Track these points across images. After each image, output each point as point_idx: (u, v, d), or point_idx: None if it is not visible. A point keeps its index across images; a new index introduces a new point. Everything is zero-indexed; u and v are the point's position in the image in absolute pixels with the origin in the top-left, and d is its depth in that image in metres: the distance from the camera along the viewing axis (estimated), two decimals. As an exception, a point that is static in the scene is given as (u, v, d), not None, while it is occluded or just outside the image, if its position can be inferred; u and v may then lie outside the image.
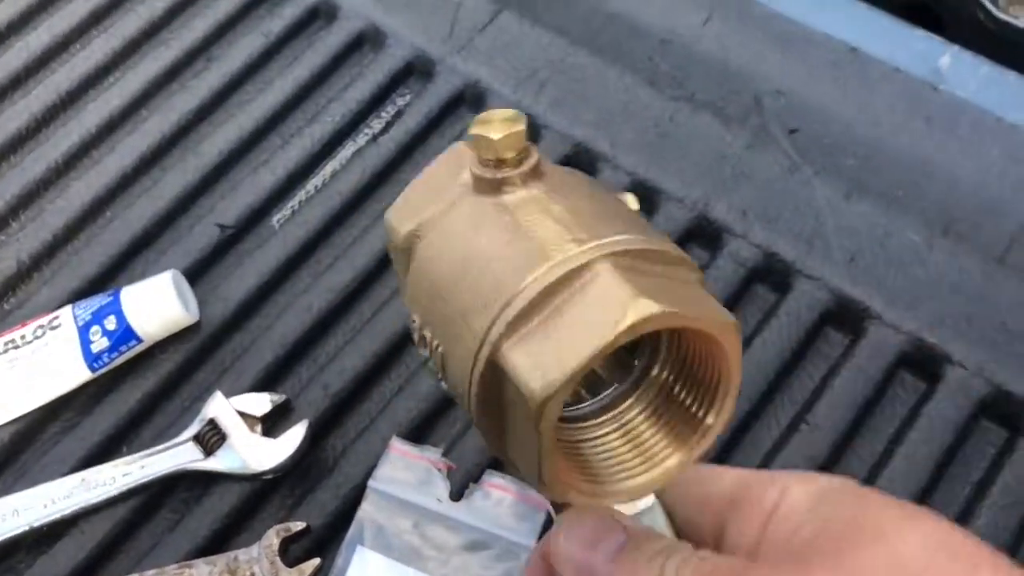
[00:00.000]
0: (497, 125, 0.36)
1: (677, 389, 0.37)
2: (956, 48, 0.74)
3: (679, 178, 0.70)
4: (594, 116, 0.73)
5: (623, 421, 0.38)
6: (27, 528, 0.61)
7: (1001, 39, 0.75)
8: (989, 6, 0.75)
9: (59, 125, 0.79)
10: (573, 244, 0.33)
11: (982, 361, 0.61)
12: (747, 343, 0.63)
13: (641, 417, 0.38)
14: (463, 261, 0.36)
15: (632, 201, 0.42)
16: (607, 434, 0.38)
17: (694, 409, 0.36)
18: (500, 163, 0.36)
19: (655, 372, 0.38)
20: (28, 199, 0.75)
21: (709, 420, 0.36)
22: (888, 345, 0.62)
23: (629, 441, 0.37)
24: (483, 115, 0.37)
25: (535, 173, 0.37)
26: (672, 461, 0.36)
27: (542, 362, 0.31)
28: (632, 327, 0.30)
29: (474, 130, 0.36)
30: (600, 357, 0.30)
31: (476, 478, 0.61)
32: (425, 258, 0.38)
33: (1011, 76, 0.71)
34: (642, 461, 0.37)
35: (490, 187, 0.37)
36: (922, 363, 0.62)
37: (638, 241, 0.33)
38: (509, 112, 0.37)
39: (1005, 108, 0.70)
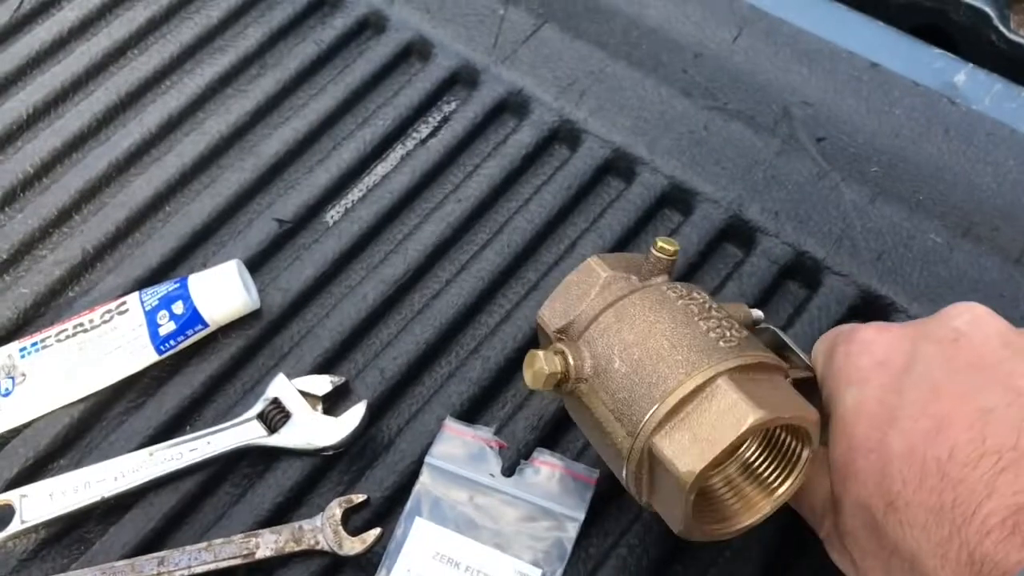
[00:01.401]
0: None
1: (767, 455, 0.54)
2: (970, 66, 0.79)
3: (714, 182, 0.74)
4: (632, 123, 0.77)
5: (729, 478, 0.54)
6: (98, 499, 0.64)
7: (1012, 59, 0.80)
8: (1002, 28, 0.80)
9: (119, 125, 0.83)
10: (705, 361, 0.49)
11: (1002, 352, 0.65)
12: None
13: (741, 476, 0.54)
14: (636, 360, 0.51)
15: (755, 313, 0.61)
16: (720, 489, 0.54)
17: (779, 471, 0.53)
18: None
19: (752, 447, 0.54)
20: (91, 194, 0.79)
21: (790, 480, 0.52)
22: (913, 337, 0.66)
23: (733, 492, 0.54)
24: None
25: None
26: (763, 505, 0.53)
27: (690, 451, 0.47)
28: (751, 428, 0.46)
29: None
30: (729, 450, 0.47)
31: (526, 455, 0.64)
32: (606, 331, 0.53)
33: (1024, 93, 0.77)
34: (743, 507, 0.53)
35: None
36: (945, 354, 0.66)
37: (750, 356, 0.49)
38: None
39: (1019, 121, 0.75)
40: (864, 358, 0.49)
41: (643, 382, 0.49)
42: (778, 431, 0.53)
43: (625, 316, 0.53)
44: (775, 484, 0.53)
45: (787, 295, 0.71)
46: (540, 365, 0.53)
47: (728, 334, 0.51)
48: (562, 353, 0.54)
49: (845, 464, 0.49)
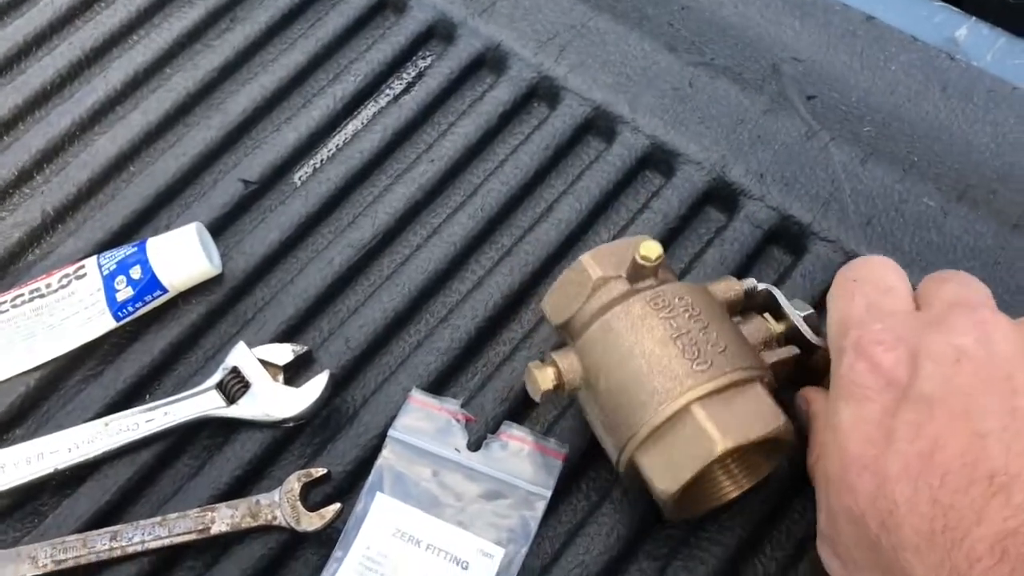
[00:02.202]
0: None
1: (742, 459, 0.57)
2: (973, 20, 0.75)
3: (697, 142, 0.71)
4: (613, 80, 0.74)
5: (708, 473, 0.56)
6: (52, 471, 0.62)
7: (1018, 12, 0.76)
8: (1007, -21, 0.76)
9: (83, 82, 0.80)
10: (678, 388, 0.52)
11: (995, 323, 0.62)
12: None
13: (718, 471, 0.57)
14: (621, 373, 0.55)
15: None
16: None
17: (751, 469, 0.57)
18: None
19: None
20: (53, 153, 0.76)
21: (759, 474, 0.57)
22: (902, 306, 0.63)
23: (709, 482, 0.57)
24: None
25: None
26: (732, 491, 0.57)
27: (666, 474, 0.52)
28: (720, 456, 0.51)
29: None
30: (702, 471, 0.51)
31: (494, 429, 0.62)
32: (595, 346, 0.56)
33: (1029, 47, 0.72)
34: (714, 492, 0.57)
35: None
36: (935, 324, 0.63)
37: (720, 378, 0.52)
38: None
39: (1022, 78, 0.71)
40: (869, 377, 0.48)
41: (624, 405, 0.54)
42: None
43: (610, 332, 0.55)
44: (744, 476, 0.57)
45: (771, 261, 0.68)
46: (535, 381, 0.56)
47: (704, 351, 0.53)
48: (555, 365, 0.56)
49: (839, 478, 0.48)
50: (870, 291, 0.52)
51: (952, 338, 0.47)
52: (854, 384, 0.48)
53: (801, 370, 0.59)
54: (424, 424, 0.62)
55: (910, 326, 0.49)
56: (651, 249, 0.56)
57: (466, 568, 0.57)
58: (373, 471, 0.61)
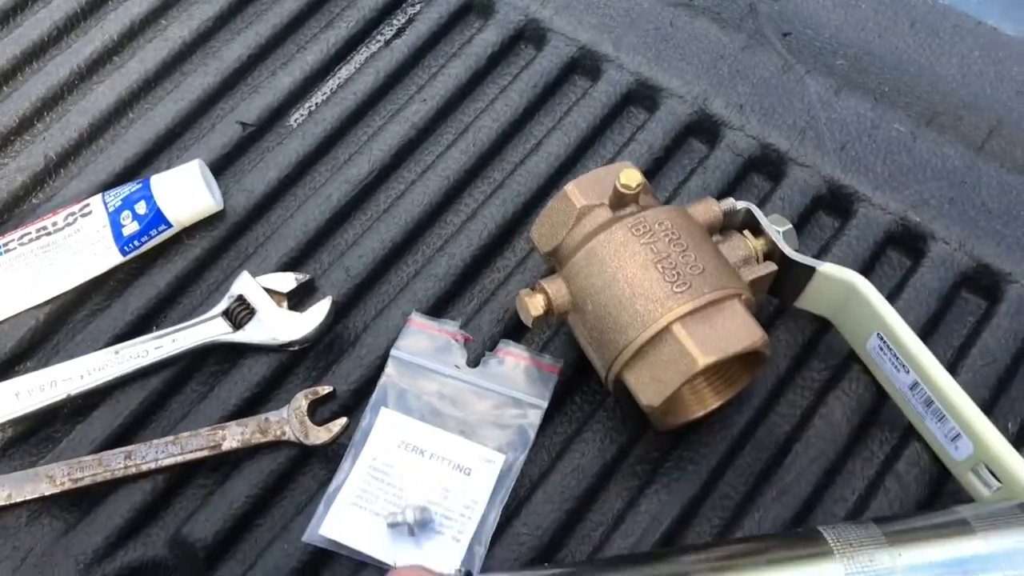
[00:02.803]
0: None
1: (723, 370, 0.60)
2: (940, -41, 0.78)
3: (679, 77, 0.74)
4: (598, 20, 0.77)
5: (692, 384, 0.60)
6: (64, 397, 0.64)
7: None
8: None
9: (80, 33, 0.81)
10: (659, 310, 0.55)
11: (963, 237, 0.65)
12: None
13: (702, 383, 0.61)
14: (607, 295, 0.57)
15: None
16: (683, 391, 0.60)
17: (730, 378, 0.60)
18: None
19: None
20: (52, 101, 0.78)
21: (739, 383, 0.60)
22: (876, 224, 0.67)
23: (693, 392, 0.61)
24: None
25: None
26: (713, 401, 0.60)
27: (650, 387, 0.55)
28: (700, 370, 0.53)
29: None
30: (685, 385, 0.55)
31: (491, 347, 0.65)
32: (580, 272, 0.58)
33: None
34: (696, 402, 0.61)
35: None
36: (907, 240, 0.67)
37: (698, 298, 0.54)
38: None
39: (984, 13, 0.74)
40: None
41: (610, 328, 0.56)
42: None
43: (594, 259, 0.58)
44: (725, 387, 0.60)
45: (751, 187, 0.71)
46: (526, 308, 0.59)
47: (684, 273, 0.56)
48: (544, 292, 0.59)
49: None
50: None
51: None
52: None
53: (780, 284, 0.62)
54: (424, 344, 0.65)
55: None
56: (631, 177, 0.59)
57: (468, 474, 0.60)
58: (377, 388, 0.64)
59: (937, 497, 0.59)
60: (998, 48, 0.73)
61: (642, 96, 0.74)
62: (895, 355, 0.58)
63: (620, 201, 0.59)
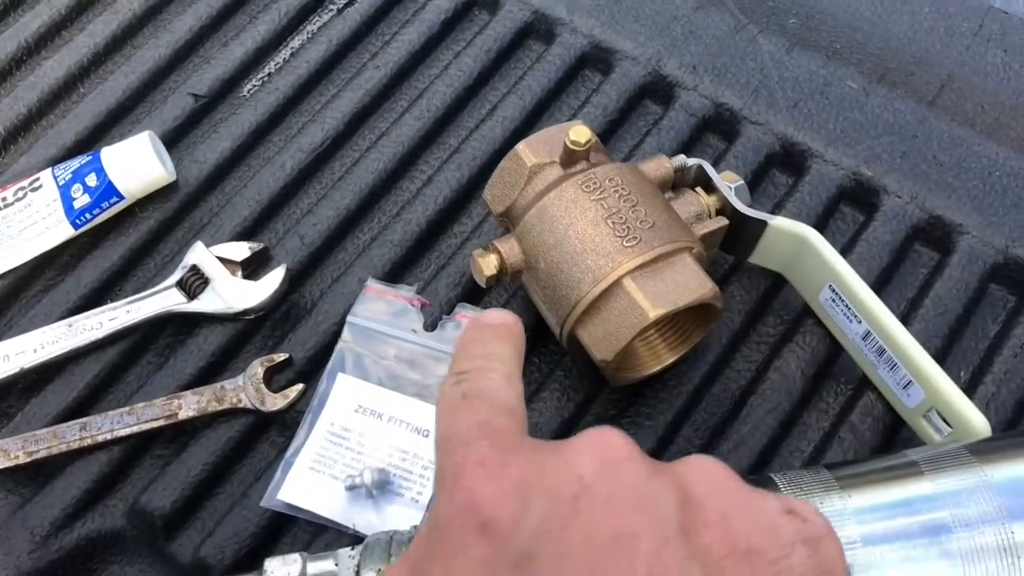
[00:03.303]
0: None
1: (675, 323, 0.60)
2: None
3: (633, 39, 0.73)
4: (551, -16, 0.76)
5: (646, 338, 0.61)
6: (17, 371, 0.64)
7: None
8: None
9: (27, 7, 0.80)
10: (609, 264, 0.55)
11: (915, 191, 0.66)
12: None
13: (655, 336, 0.61)
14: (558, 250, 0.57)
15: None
16: (637, 345, 0.61)
17: (684, 332, 0.61)
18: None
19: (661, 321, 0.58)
20: (0, 77, 0.77)
21: (692, 338, 0.60)
22: (829, 180, 0.67)
23: (647, 347, 0.61)
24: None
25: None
26: (667, 356, 0.61)
27: (603, 341, 0.56)
28: (651, 323, 0.54)
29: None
30: (636, 338, 0.55)
31: (448, 311, 0.65)
32: (532, 230, 0.58)
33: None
34: (651, 357, 0.61)
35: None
36: (860, 195, 0.67)
37: (648, 252, 0.55)
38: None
39: (935, -30, 0.74)
40: (466, 517, 0.34)
41: (562, 284, 0.57)
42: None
43: (545, 217, 0.57)
44: (678, 342, 0.61)
45: (706, 147, 0.71)
46: (479, 268, 0.59)
47: (634, 228, 0.56)
48: (497, 251, 0.59)
49: None
50: (480, 406, 0.38)
51: (575, 466, 0.34)
52: (449, 530, 0.35)
53: (733, 240, 0.62)
54: (381, 310, 0.65)
55: (520, 460, 0.35)
56: (581, 133, 0.59)
57: (427, 436, 0.60)
58: (334, 354, 0.63)
59: (891, 445, 0.59)
60: (948, 4, 0.73)
61: (596, 59, 0.74)
62: (847, 306, 0.58)
63: (571, 158, 0.59)
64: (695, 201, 0.62)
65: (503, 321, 0.42)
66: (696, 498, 0.34)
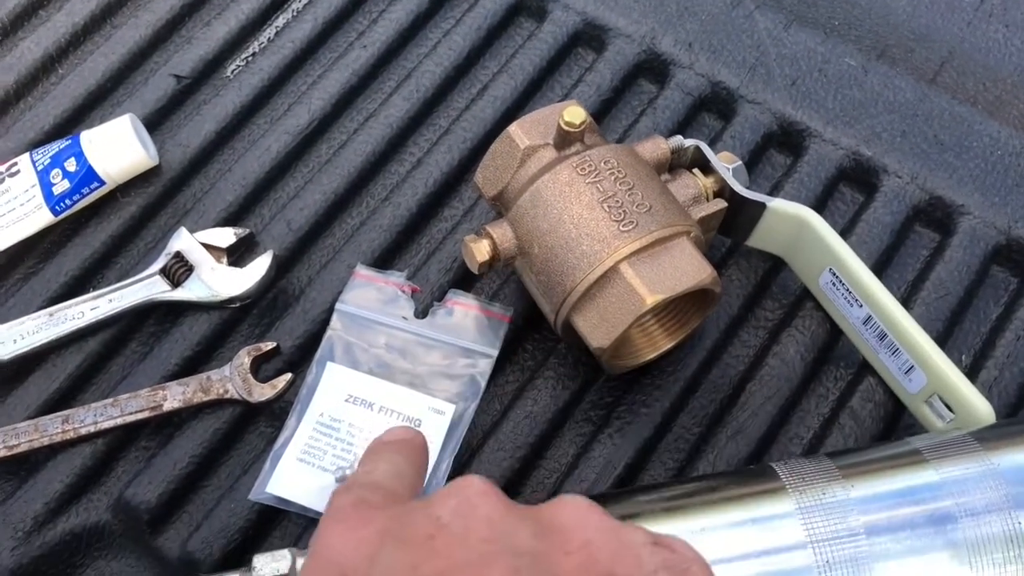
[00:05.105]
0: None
1: (672, 310, 0.59)
2: None
3: (627, 16, 0.72)
4: (542, -40, 0.74)
5: (643, 325, 0.60)
6: (-2, 363, 0.62)
7: None
8: None
9: (3, -13, 0.78)
10: (605, 250, 0.53)
11: (916, 170, 0.64)
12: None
13: (652, 323, 0.60)
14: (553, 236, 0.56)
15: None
16: (633, 333, 0.59)
17: (681, 318, 0.59)
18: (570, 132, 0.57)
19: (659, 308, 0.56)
20: (-24, 59, 0.75)
21: (689, 324, 0.59)
22: (828, 160, 0.65)
23: (643, 334, 0.60)
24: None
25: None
26: (664, 343, 0.59)
27: (599, 328, 0.54)
28: (648, 310, 0.52)
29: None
30: (632, 326, 0.53)
31: (440, 298, 0.63)
32: (526, 215, 0.57)
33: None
34: (647, 344, 0.60)
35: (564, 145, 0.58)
36: (860, 175, 0.65)
37: (645, 237, 0.53)
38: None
39: (935, -57, 0.73)
40: (325, 568, 0.37)
41: (557, 270, 0.55)
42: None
43: (539, 201, 0.56)
44: (676, 328, 0.59)
45: (702, 127, 0.69)
46: (471, 254, 0.57)
47: (630, 212, 0.54)
48: (489, 237, 0.57)
49: None
50: (358, 490, 0.40)
51: (435, 508, 0.36)
52: None
53: (731, 223, 0.61)
54: (371, 296, 0.63)
55: (380, 516, 0.38)
56: (575, 115, 0.57)
57: (419, 425, 0.59)
58: (323, 343, 0.62)
59: (892, 431, 0.58)
60: (949, -22, 0.72)
61: (589, 37, 0.72)
62: (847, 289, 0.57)
63: (565, 140, 0.58)
64: (692, 183, 0.60)
65: (402, 437, 0.45)
66: (558, 527, 0.35)
